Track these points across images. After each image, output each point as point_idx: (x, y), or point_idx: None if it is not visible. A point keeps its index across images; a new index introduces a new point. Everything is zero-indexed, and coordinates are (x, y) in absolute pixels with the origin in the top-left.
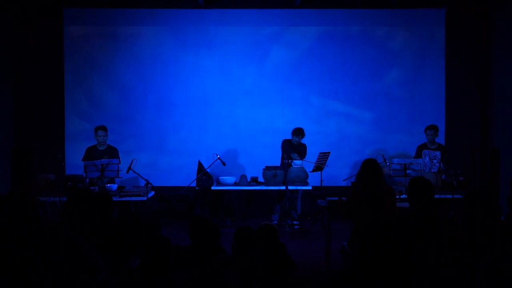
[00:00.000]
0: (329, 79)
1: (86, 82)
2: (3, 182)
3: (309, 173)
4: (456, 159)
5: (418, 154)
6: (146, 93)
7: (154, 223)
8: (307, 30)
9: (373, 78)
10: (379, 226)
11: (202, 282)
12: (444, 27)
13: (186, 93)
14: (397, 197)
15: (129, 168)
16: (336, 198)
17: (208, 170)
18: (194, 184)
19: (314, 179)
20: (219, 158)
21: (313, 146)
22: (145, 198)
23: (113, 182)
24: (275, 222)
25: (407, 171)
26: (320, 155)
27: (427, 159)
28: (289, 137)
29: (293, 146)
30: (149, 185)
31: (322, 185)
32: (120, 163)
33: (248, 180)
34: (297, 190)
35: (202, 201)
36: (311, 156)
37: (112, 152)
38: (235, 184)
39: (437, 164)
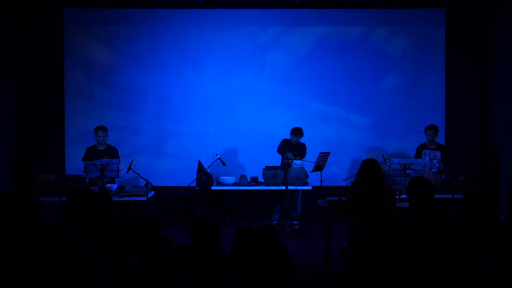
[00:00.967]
0: (329, 78)
1: (86, 82)
2: (3, 182)
3: (309, 173)
4: (456, 159)
5: (418, 154)
6: (146, 93)
7: (154, 223)
8: (307, 30)
9: (373, 78)
10: (379, 226)
11: (202, 282)
12: (444, 27)
13: (186, 93)
14: (397, 197)
15: (129, 168)
16: (336, 198)
17: (208, 170)
18: (194, 184)
19: (314, 179)
20: (219, 158)
21: (313, 146)
22: (145, 198)
23: (113, 182)
24: (275, 222)
25: (407, 171)
26: (320, 155)
27: (427, 159)
28: (289, 136)
29: (292, 146)
30: (149, 185)
31: (322, 185)
32: (120, 163)
33: (248, 180)
34: (297, 190)
35: (202, 201)
36: (311, 156)
37: (112, 152)
38: (235, 184)
39: (437, 164)
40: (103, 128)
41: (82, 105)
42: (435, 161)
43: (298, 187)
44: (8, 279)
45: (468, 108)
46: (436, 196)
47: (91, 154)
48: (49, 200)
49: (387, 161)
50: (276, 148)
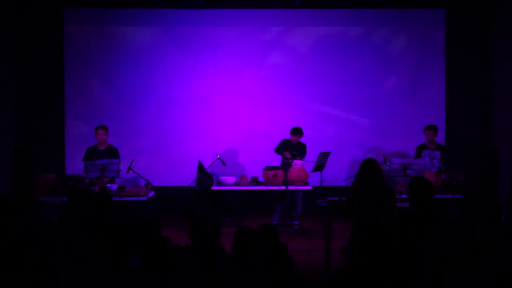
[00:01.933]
0: (329, 78)
1: (86, 82)
2: (3, 182)
3: (309, 173)
4: (456, 159)
5: (418, 154)
6: (146, 93)
7: (154, 223)
8: (307, 30)
9: (373, 78)
10: (379, 226)
11: (202, 282)
12: (444, 27)
13: (186, 93)
14: (397, 197)
15: (129, 168)
16: (336, 198)
17: (208, 170)
18: (194, 184)
19: (314, 179)
20: (219, 158)
21: (313, 146)
22: (145, 198)
23: (113, 182)
24: (275, 222)
25: (407, 171)
26: (320, 155)
27: (427, 159)
28: (289, 136)
29: (292, 146)
30: (149, 185)
31: (322, 185)
32: (120, 162)
33: (248, 180)
34: (297, 190)
35: (202, 201)
36: (311, 156)
37: (112, 152)
38: (235, 184)
39: (437, 164)
40: (103, 127)
41: (82, 105)
42: (435, 161)
43: (298, 187)
44: (8, 279)
45: (468, 108)
46: (436, 196)
47: (91, 154)
48: (49, 200)
49: (387, 161)
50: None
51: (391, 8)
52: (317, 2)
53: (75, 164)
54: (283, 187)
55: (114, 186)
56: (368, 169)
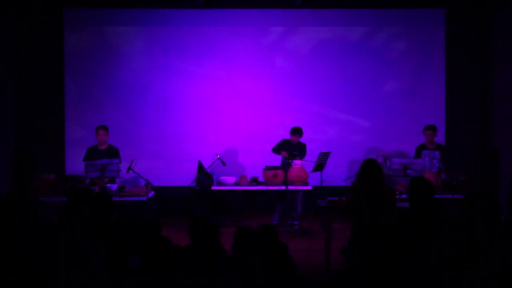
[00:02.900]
0: (329, 78)
1: (86, 82)
2: (3, 182)
3: (309, 173)
4: (456, 159)
5: (417, 155)
6: (146, 93)
7: (154, 223)
8: (307, 30)
9: (373, 78)
10: (379, 226)
11: (202, 282)
12: (444, 27)
13: (186, 93)
14: (397, 197)
15: (129, 168)
16: (336, 198)
17: (208, 170)
18: (194, 184)
19: (314, 179)
20: (219, 158)
21: (313, 146)
22: (145, 198)
23: (113, 182)
24: (275, 222)
25: (407, 171)
26: (320, 155)
27: (427, 159)
28: (289, 136)
29: (292, 146)
30: (149, 185)
31: (322, 185)
32: (120, 162)
33: (248, 180)
34: (297, 190)
35: (202, 201)
36: (311, 157)
37: (113, 152)
38: (235, 184)
39: (437, 164)
40: (103, 128)
41: (82, 105)
42: (434, 161)
43: (298, 187)
44: (8, 279)
45: (468, 108)
46: (436, 196)
47: (91, 154)
48: (49, 200)
49: (387, 161)
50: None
51: (391, 8)
52: (317, 2)
53: (75, 164)
54: (283, 187)
55: (114, 186)
56: (368, 169)
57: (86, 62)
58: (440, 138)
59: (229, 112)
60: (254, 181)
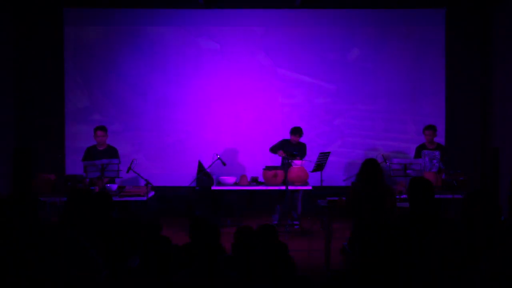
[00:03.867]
0: (329, 78)
1: (86, 82)
2: (3, 182)
3: (309, 173)
4: (456, 159)
5: (417, 155)
6: (146, 93)
7: (154, 223)
8: (307, 30)
9: (373, 78)
10: (379, 226)
11: (202, 282)
12: (444, 27)
13: (186, 93)
14: (397, 197)
15: (129, 168)
16: (336, 198)
17: (208, 170)
18: (194, 184)
19: (314, 179)
20: (219, 158)
21: (313, 146)
22: (145, 198)
23: (113, 182)
24: (275, 222)
25: (407, 171)
26: (320, 154)
27: (427, 159)
28: (289, 136)
29: (292, 146)
30: (149, 185)
31: (322, 185)
32: (120, 163)
33: (248, 180)
34: (297, 190)
35: (202, 201)
36: (311, 157)
37: (112, 152)
38: (235, 184)
39: (437, 164)
40: (102, 128)
41: (82, 105)
42: (434, 161)
43: (298, 187)
44: (8, 279)
45: (468, 107)
46: (436, 196)
47: (90, 154)
48: (49, 200)
49: (387, 161)
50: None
51: (391, 8)
52: (317, 2)
53: (75, 164)
54: (283, 187)
55: (114, 186)
56: (369, 169)
57: (86, 62)
58: (440, 138)
59: (229, 112)
60: (254, 181)
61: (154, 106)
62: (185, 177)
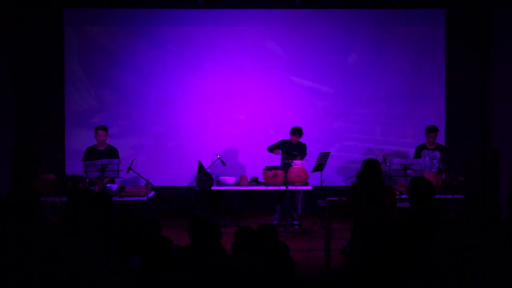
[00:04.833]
0: (329, 79)
1: (86, 82)
2: (3, 182)
3: (309, 173)
4: (456, 159)
5: (417, 155)
6: (146, 93)
7: (154, 223)
8: (307, 30)
9: (373, 78)
10: (379, 226)
11: (202, 282)
12: (444, 27)
13: (186, 93)
14: (397, 197)
15: (129, 168)
16: (336, 198)
17: (208, 170)
18: (194, 184)
19: (314, 179)
20: (219, 158)
21: (313, 146)
22: (145, 198)
23: (113, 182)
24: (275, 222)
25: (407, 171)
26: (320, 155)
27: (427, 159)
28: (289, 136)
29: (292, 146)
30: (149, 185)
31: (322, 185)
32: (120, 162)
33: (248, 180)
34: (297, 190)
35: (202, 201)
36: (311, 157)
37: (112, 152)
38: (235, 184)
39: (437, 164)
40: (103, 128)
41: (82, 105)
42: (434, 161)
43: (298, 187)
44: (8, 278)
45: (468, 108)
46: (436, 196)
47: (90, 154)
48: (49, 200)
49: (387, 161)
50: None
51: (391, 8)
52: (317, 2)
53: (75, 164)
54: (283, 187)
55: (114, 186)
56: (369, 169)
57: (86, 62)
58: (440, 138)
59: (229, 112)
60: (254, 181)
61: (154, 106)
62: (185, 177)
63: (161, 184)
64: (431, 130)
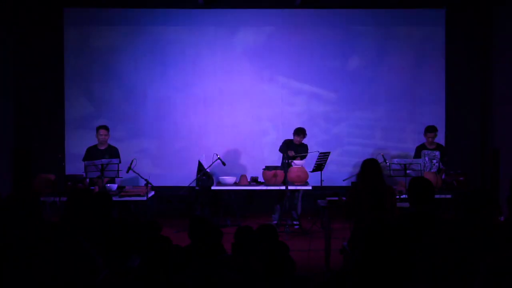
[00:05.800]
0: (329, 79)
1: (86, 82)
2: (3, 182)
3: (309, 173)
4: (456, 159)
5: (417, 155)
6: (146, 93)
7: (154, 223)
8: (307, 30)
9: (373, 78)
10: (379, 226)
11: (202, 282)
12: (444, 27)
13: (186, 93)
14: (397, 197)
15: (129, 168)
16: (336, 198)
17: (208, 170)
18: (194, 184)
19: (314, 179)
20: (219, 158)
21: (313, 146)
22: (145, 198)
23: (113, 182)
24: (275, 222)
25: (407, 171)
26: (320, 155)
27: (427, 159)
28: (289, 136)
29: (295, 146)
30: (149, 185)
31: (322, 185)
32: (120, 162)
33: (248, 180)
34: (297, 190)
35: (202, 201)
36: (311, 157)
37: (113, 152)
38: (235, 184)
39: (437, 164)
40: (104, 127)
41: (82, 105)
42: (434, 161)
43: (298, 187)
44: (8, 278)
45: (468, 108)
46: (436, 196)
47: (91, 154)
48: (49, 200)
49: (387, 161)
50: (278, 148)
51: (391, 8)
52: (317, 2)
53: (75, 164)
54: (283, 187)
55: (114, 186)
56: (369, 169)
57: (86, 62)
58: (440, 138)
59: (229, 112)
60: (254, 181)
61: (154, 105)
62: (185, 177)
63: (161, 184)
64: (430, 130)
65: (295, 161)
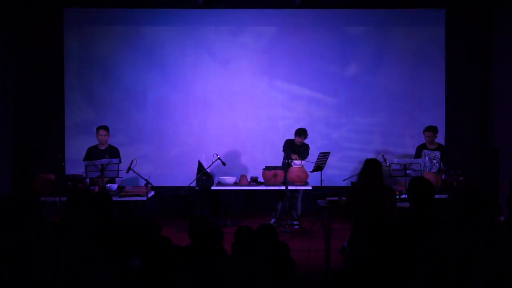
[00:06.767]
0: (329, 78)
1: (86, 82)
2: (3, 182)
3: (309, 173)
4: (456, 159)
5: (418, 155)
6: (146, 93)
7: (154, 223)
8: (307, 30)
9: (373, 78)
10: (379, 226)
11: (202, 282)
12: (444, 27)
13: (186, 93)
14: (397, 197)
15: (129, 168)
16: (336, 198)
17: (208, 170)
18: (194, 184)
19: (314, 179)
20: (219, 158)
21: (313, 146)
22: (145, 198)
23: (113, 182)
24: (273, 220)
25: (407, 171)
26: (320, 155)
27: (427, 159)
28: (289, 137)
29: (296, 146)
30: (149, 185)
31: (322, 185)
32: (120, 162)
33: (248, 180)
34: (297, 190)
35: (202, 201)
36: (311, 157)
37: (113, 152)
38: (235, 184)
39: (437, 164)
40: (105, 128)
41: (82, 105)
42: (434, 161)
43: (298, 187)
44: (8, 278)
45: (468, 108)
46: (436, 196)
47: (92, 154)
48: (49, 200)
49: (387, 161)
50: (278, 148)
51: (391, 8)
52: (317, 2)
53: (75, 164)
54: (283, 187)
55: (114, 186)
56: (369, 169)
57: (86, 62)
58: (440, 138)
59: (229, 112)
60: (254, 181)
61: (154, 105)
62: (185, 177)
63: (161, 184)
64: (428, 129)
65: (295, 161)
